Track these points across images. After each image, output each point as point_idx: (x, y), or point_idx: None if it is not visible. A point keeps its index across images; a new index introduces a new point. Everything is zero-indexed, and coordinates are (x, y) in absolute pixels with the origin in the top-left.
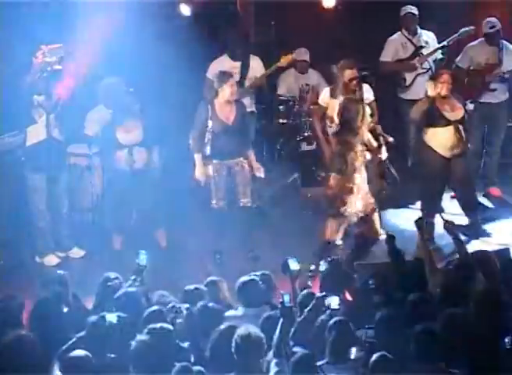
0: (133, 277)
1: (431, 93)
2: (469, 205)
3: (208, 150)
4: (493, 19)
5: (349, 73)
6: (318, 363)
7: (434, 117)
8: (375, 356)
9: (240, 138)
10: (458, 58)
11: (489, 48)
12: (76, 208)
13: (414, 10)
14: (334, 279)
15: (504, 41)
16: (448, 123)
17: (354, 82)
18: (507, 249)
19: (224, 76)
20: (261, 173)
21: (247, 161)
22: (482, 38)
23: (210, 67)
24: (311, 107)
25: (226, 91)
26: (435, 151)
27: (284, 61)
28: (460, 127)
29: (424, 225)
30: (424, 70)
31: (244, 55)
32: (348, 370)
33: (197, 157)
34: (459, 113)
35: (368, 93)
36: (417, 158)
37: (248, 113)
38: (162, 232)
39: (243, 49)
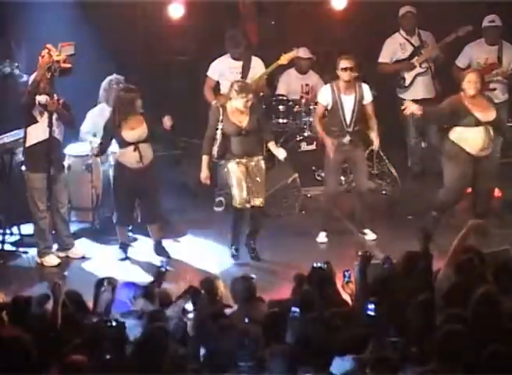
0: (153, 280)
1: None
2: (484, 206)
3: (216, 152)
4: (493, 15)
5: (343, 62)
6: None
7: (462, 117)
8: (374, 356)
9: (254, 139)
10: (458, 59)
11: (489, 47)
12: (76, 208)
13: (413, 10)
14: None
15: (504, 41)
16: (478, 123)
17: (348, 72)
18: (507, 250)
19: (243, 90)
20: (283, 155)
21: (263, 158)
22: (482, 38)
23: (211, 66)
24: (311, 107)
25: (239, 103)
26: (463, 149)
27: (285, 59)
28: (491, 129)
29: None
30: (424, 70)
31: (246, 55)
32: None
33: (205, 159)
34: (491, 115)
35: (366, 94)
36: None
37: (261, 114)
38: (158, 226)
39: (244, 49)
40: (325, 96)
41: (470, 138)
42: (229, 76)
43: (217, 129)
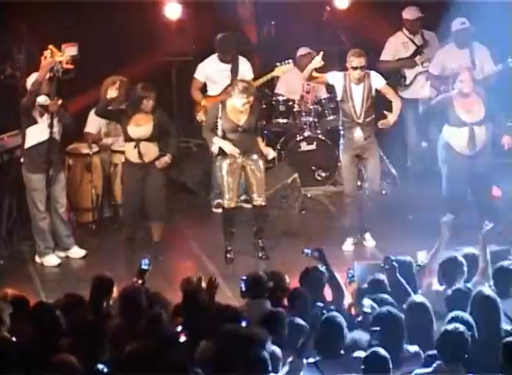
0: (134, 279)
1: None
2: (485, 207)
3: (217, 148)
4: (462, 18)
5: (355, 61)
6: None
7: (450, 116)
8: (368, 354)
9: (251, 137)
10: (431, 66)
11: (460, 51)
12: (76, 208)
13: (421, 14)
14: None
15: (475, 43)
16: (463, 124)
17: (358, 71)
18: (507, 249)
19: (245, 91)
20: (272, 155)
21: (261, 156)
22: (452, 42)
23: (198, 68)
24: (312, 107)
25: (238, 103)
26: (454, 149)
27: (280, 71)
28: (476, 128)
29: None
30: (425, 69)
31: (234, 57)
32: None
33: (216, 139)
34: (476, 115)
35: (376, 80)
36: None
37: (259, 114)
38: (158, 226)
39: (235, 51)
40: (336, 81)
41: (457, 137)
42: (217, 79)
43: (216, 125)
